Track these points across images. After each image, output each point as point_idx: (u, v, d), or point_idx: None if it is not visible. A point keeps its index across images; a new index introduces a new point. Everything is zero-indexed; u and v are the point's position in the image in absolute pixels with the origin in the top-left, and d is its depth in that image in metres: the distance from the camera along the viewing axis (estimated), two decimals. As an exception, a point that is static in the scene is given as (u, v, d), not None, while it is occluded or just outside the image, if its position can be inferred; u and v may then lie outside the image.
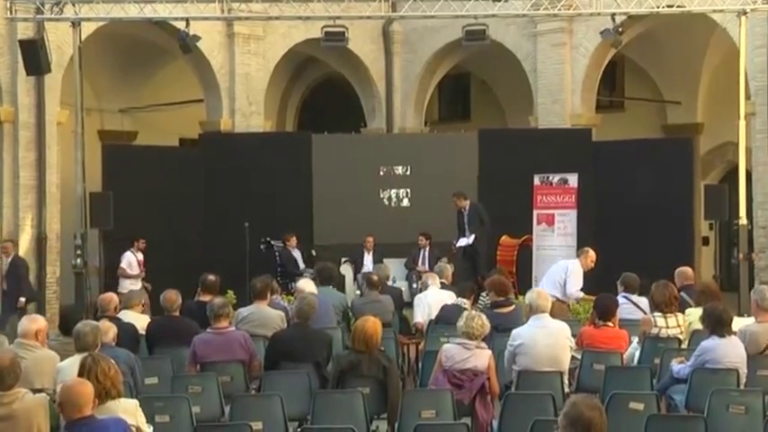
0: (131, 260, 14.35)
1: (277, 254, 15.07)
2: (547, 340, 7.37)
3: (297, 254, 15.24)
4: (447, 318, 9.28)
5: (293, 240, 15.23)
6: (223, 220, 15.41)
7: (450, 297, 10.05)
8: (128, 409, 5.41)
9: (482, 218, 14.38)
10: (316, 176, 16.29)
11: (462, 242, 14.35)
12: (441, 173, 16.25)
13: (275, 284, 10.08)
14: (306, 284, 10.02)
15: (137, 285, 13.60)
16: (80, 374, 5.36)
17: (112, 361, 5.55)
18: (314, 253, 15.44)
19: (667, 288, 8.54)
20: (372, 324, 7.06)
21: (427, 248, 15.32)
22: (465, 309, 9.17)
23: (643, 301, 9.53)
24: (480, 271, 13.35)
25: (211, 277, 9.56)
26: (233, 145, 16.62)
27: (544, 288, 9.48)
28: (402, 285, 13.72)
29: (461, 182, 16.09)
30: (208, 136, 17.26)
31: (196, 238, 15.51)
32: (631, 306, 9.28)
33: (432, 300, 10.16)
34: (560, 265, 11.28)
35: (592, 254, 11.10)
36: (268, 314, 8.77)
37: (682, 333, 8.37)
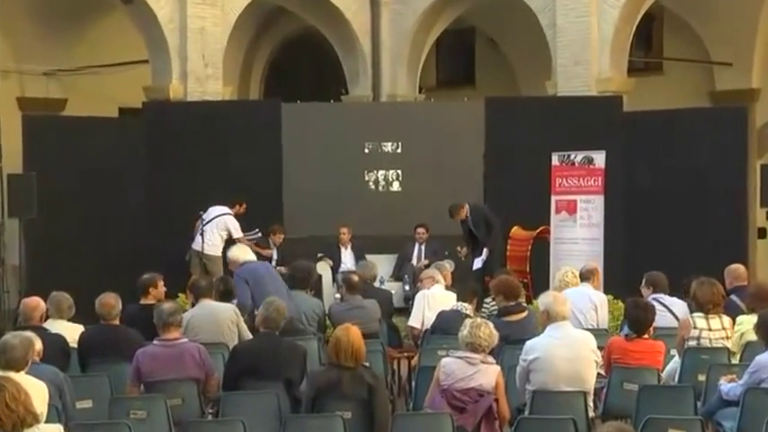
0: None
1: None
2: (567, 353, 7.40)
3: (275, 251, 15.22)
4: (444, 326, 9.31)
5: (279, 236, 15.21)
6: (173, 208, 15.35)
7: (453, 301, 10.10)
8: (50, 436, 5.35)
9: (488, 221, 14.50)
10: (286, 155, 16.24)
11: (478, 263, 14.47)
12: (439, 151, 16.24)
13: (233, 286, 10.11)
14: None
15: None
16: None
17: (19, 380, 5.41)
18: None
19: (714, 286, 8.61)
20: (354, 333, 7.07)
21: (424, 243, 15.33)
22: (467, 315, 9.20)
23: (677, 304, 9.59)
24: (493, 268, 13.39)
25: (157, 277, 9.53)
26: (184, 116, 16.55)
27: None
28: (393, 287, 13.73)
29: (464, 161, 16.11)
30: (153, 105, 17.19)
31: (140, 229, 15.46)
32: (664, 310, 9.35)
33: (436, 301, 10.26)
34: (582, 294, 10.86)
35: (599, 271, 11.15)
36: (218, 312, 8.86)
37: (727, 339, 8.42)
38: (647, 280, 10.05)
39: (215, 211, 14.56)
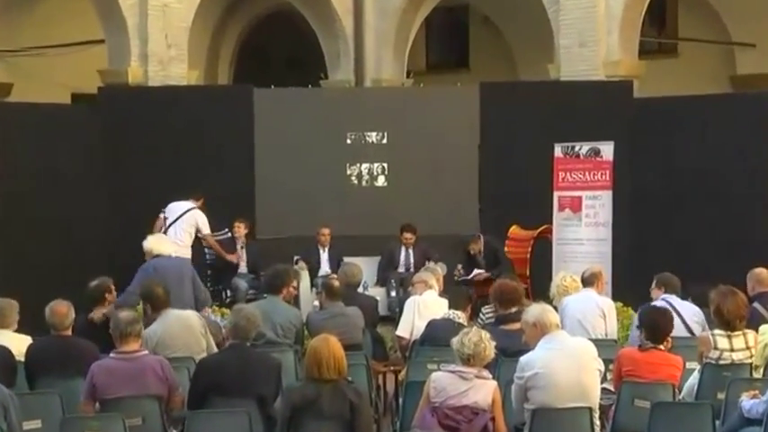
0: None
1: (206, 250, 15.02)
2: (567, 363, 7.38)
3: (243, 252, 15.17)
4: (435, 337, 9.30)
5: (242, 228, 15.12)
6: (132, 205, 15.30)
7: (446, 308, 10.11)
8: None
9: (499, 260, 14.73)
10: (259, 146, 16.21)
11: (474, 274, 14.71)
12: (429, 142, 16.23)
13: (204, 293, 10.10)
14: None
15: None
16: None
17: None
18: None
19: (737, 296, 8.61)
20: (334, 344, 7.05)
21: (411, 247, 15.31)
22: (460, 324, 9.21)
23: (687, 309, 9.61)
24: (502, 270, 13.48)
25: (108, 281, 9.51)
26: (145, 103, 16.47)
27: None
28: (377, 293, 13.72)
29: (457, 153, 16.10)
30: (110, 90, 17.14)
31: (95, 228, 15.41)
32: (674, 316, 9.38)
33: (428, 308, 10.28)
34: (587, 300, 10.79)
35: (603, 275, 11.19)
36: (189, 321, 8.83)
37: (751, 357, 8.43)
38: (657, 280, 10.13)
39: (178, 207, 14.46)
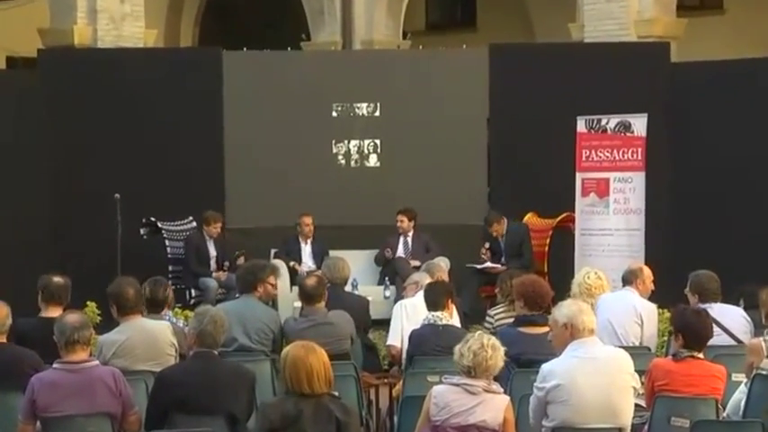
0: None
1: (167, 243, 15.02)
2: (596, 379, 7.39)
3: (212, 246, 15.15)
4: (421, 350, 9.35)
5: (217, 226, 15.07)
6: (79, 189, 15.32)
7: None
8: None
9: (522, 252, 14.79)
10: (229, 119, 16.21)
11: (486, 263, 14.73)
12: (429, 114, 16.27)
13: (168, 293, 10.09)
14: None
15: None
16: None
17: None
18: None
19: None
20: (317, 352, 7.04)
21: (410, 234, 15.34)
22: (445, 327, 9.32)
23: (731, 314, 9.60)
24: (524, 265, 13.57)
25: (59, 280, 9.49)
26: (94, 68, 16.45)
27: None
28: (369, 292, 13.72)
29: (462, 128, 16.11)
30: (52, 53, 17.13)
31: (35, 216, 15.41)
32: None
33: (417, 312, 10.23)
34: (623, 301, 10.78)
35: (647, 272, 11.07)
36: (155, 333, 8.80)
37: (813, 366, 8.44)
38: (690, 283, 10.02)
39: None
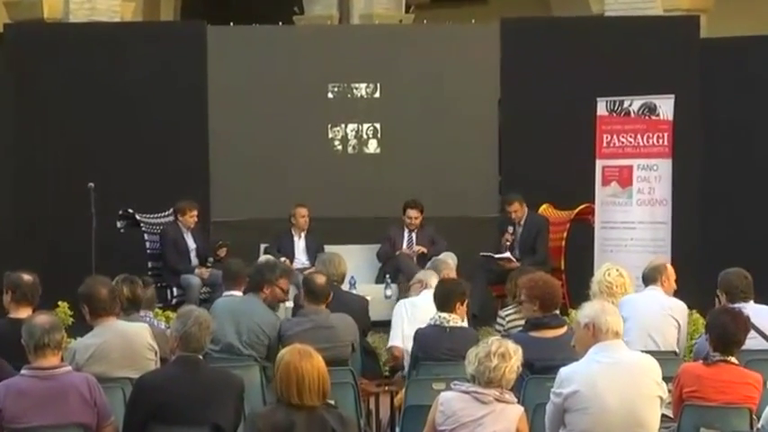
0: None
1: (146, 237, 15.03)
2: (620, 385, 7.39)
3: (190, 238, 15.14)
4: (428, 354, 9.38)
5: (193, 215, 15.05)
6: (48, 178, 15.34)
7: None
8: None
9: (536, 247, 14.73)
10: (213, 101, 16.23)
11: (504, 253, 14.71)
12: (434, 96, 16.31)
13: (148, 292, 10.10)
14: None
15: None
16: None
17: None
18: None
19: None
20: (313, 358, 7.04)
21: (416, 230, 15.29)
22: (453, 329, 9.32)
23: (765, 313, 9.61)
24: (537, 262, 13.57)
25: (27, 278, 9.51)
26: (65, 44, 16.49)
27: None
28: (368, 292, 13.73)
29: (470, 110, 16.13)
30: (19, 28, 17.18)
31: (1, 207, 15.45)
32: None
33: (421, 312, 10.27)
34: (653, 302, 10.88)
35: (670, 270, 11.04)
36: (131, 336, 8.80)
37: None
38: (720, 282, 9.95)
39: None
